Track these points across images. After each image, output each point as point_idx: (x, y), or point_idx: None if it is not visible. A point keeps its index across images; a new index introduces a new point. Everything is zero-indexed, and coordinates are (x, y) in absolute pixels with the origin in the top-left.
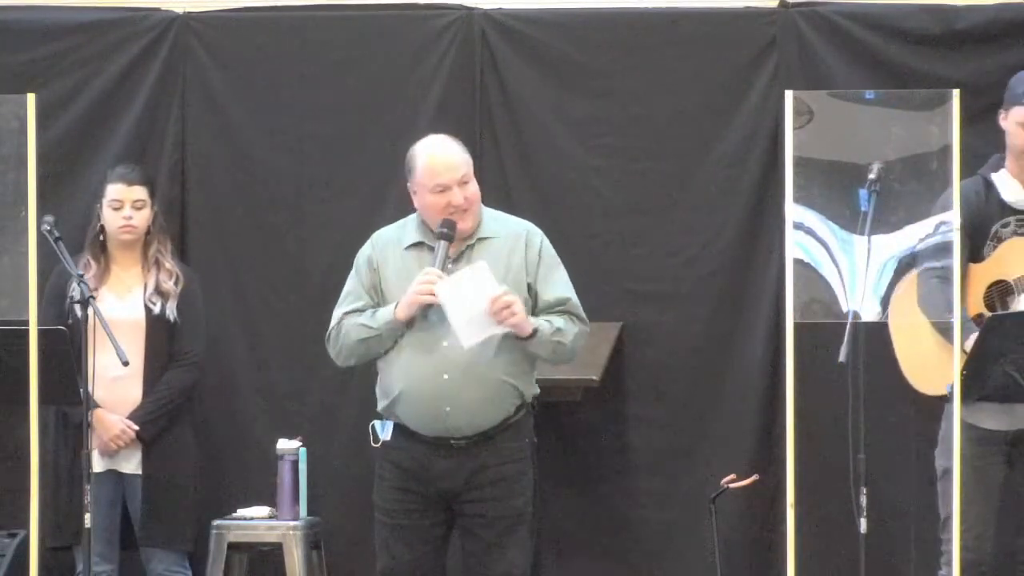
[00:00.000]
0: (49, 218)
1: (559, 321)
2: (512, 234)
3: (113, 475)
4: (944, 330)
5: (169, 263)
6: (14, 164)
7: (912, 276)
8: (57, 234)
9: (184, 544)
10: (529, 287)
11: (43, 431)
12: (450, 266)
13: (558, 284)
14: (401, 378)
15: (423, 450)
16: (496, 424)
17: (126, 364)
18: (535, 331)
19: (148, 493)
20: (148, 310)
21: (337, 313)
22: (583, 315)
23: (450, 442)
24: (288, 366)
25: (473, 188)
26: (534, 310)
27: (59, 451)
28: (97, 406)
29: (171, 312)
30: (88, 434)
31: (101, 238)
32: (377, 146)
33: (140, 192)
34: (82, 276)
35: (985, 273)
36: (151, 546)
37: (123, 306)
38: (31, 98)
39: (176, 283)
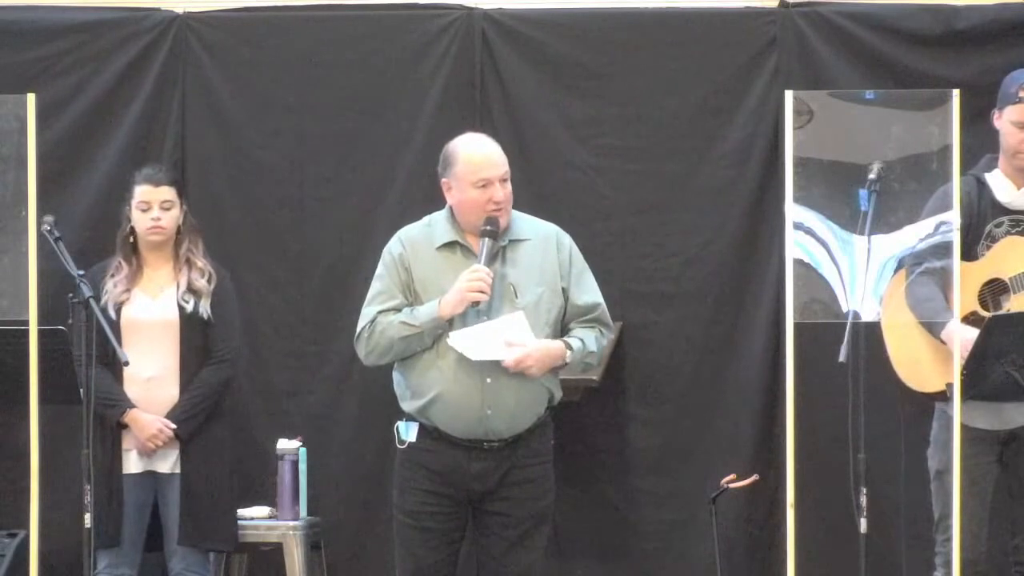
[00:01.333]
0: (49, 218)
1: (590, 340)
2: (543, 236)
3: (148, 476)
4: (932, 328)
5: (201, 261)
6: (14, 164)
7: (899, 275)
8: (57, 234)
9: (222, 543)
10: (564, 290)
11: (63, 430)
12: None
13: (590, 290)
14: (440, 380)
15: (455, 452)
16: (530, 426)
17: (126, 364)
18: (563, 364)
19: (186, 492)
20: (181, 309)
21: (369, 312)
22: (610, 320)
23: (484, 444)
24: (288, 366)
25: (509, 187)
26: (565, 313)
27: (97, 453)
28: (133, 406)
29: (204, 310)
30: (89, 434)
31: (132, 240)
32: (377, 146)
33: (168, 192)
34: (83, 275)
35: (979, 272)
36: (190, 546)
37: (156, 306)
38: (31, 98)
39: (209, 281)
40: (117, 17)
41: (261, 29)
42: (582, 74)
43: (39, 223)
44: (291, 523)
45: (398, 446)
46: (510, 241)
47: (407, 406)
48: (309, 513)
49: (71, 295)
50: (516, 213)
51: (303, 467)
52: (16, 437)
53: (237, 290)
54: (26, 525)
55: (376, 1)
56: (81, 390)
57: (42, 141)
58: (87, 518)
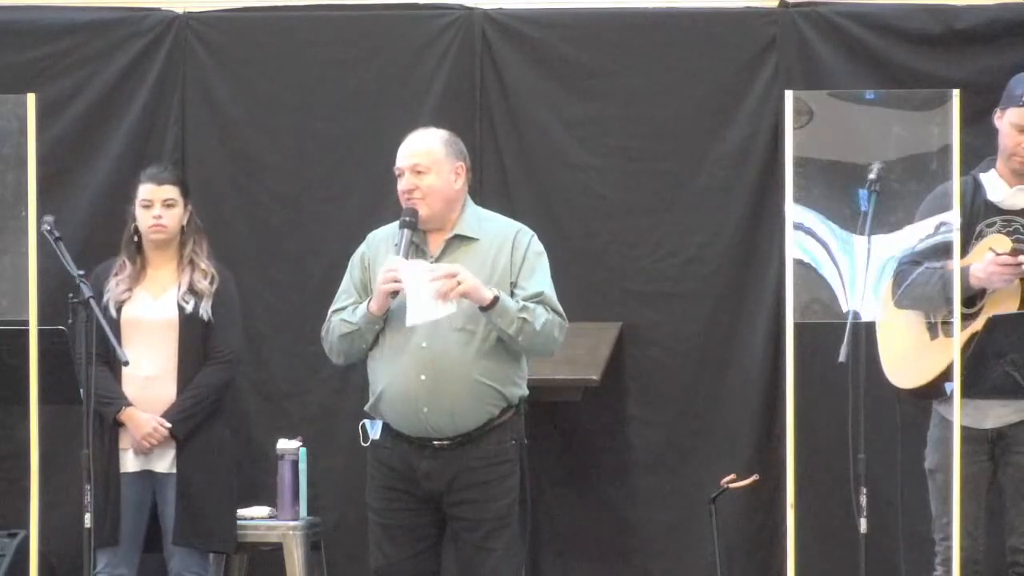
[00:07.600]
0: (49, 218)
1: (531, 306)
2: (500, 235)
3: (146, 476)
4: (922, 317)
5: (204, 263)
6: (14, 164)
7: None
8: (57, 234)
9: (218, 544)
10: (511, 285)
11: (64, 430)
12: (432, 263)
13: (534, 283)
14: (383, 377)
15: (408, 450)
16: (479, 426)
17: (126, 364)
18: (496, 299)
19: (182, 492)
20: (181, 309)
21: (329, 312)
22: (558, 308)
23: (432, 443)
24: (288, 366)
25: (430, 181)
26: None
27: (95, 451)
28: (130, 405)
29: (205, 311)
30: (89, 434)
31: (136, 239)
32: (377, 146)
33: (170, 191)
34: (83, 275)
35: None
36: (185, 546)
37: (158, 306)
38: (31, 98)
39: (211, 282)
40: (117, 17)
41: (261, 29)
42: (582, 74)
43: (39, 223)
44: (291, 523)
45: (363, 444)
46: (456, 235)
47: (368, 404)
48: (309, 513)
49: (71, 295)
50: (481, 211)
51: (303, 467)
52: (16, 437)
53: (238, 290)
54: (26, 525)
55: (376, 1)
56: (81, 390)
57: (42, 141)
58: (87, 518)
